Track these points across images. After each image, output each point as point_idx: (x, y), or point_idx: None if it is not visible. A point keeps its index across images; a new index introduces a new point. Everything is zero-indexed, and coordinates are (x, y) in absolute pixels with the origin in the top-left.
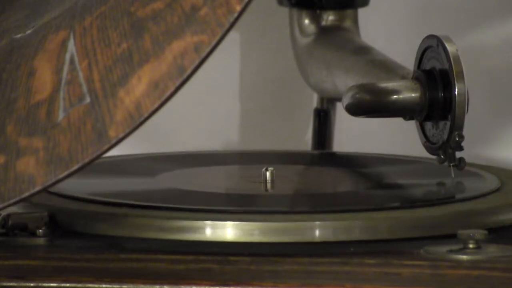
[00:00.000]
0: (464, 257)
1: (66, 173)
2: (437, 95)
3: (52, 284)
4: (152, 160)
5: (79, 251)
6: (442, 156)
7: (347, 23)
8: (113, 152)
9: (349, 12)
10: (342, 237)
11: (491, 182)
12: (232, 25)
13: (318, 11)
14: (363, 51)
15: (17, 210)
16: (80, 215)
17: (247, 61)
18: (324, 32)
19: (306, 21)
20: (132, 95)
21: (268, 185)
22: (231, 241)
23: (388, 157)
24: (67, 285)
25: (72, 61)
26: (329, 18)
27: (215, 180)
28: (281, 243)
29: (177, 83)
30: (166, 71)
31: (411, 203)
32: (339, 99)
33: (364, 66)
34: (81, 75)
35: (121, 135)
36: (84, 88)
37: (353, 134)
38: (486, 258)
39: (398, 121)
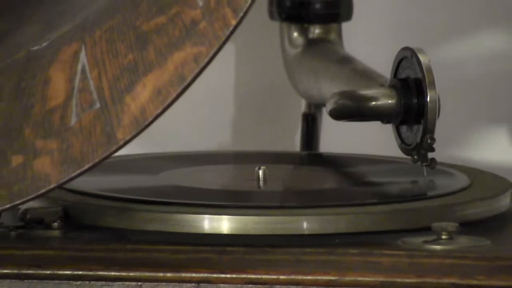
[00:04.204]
0: (438, 247)
1: (78, 171)
2: (411, 101)
3: (66, 272)
4: (155, 159)
5: (90, 242)
6: (415, 157)
7: (332, 36)
8: (121, 153)
9: (334, 26)
10: (328, 229)
11: (462, 180)
12: (228, 38)
13: (306, 25)
14: (346, 61)
15: (34, 205)
16: (91, 209)
17: (241, 69)
18: (311, 44)
19: (295, 34)
20: (138, 101)
21: (261, 183)
22: (227, 233)
23: (369, 157)
24: (79, 273)
25: (83, 71)
26: (315, 31)
27: (213, 178)
28: (273, 235)
29: (178, 90)
30: (168, 80)
31: (390, 199)
32: (325, 105)
33: (347, 74)
34: (91, 83)
35: (128, 137)
36: (94, 95)
37: (338, 137)
38: (458, 248)
39: (377, 125)
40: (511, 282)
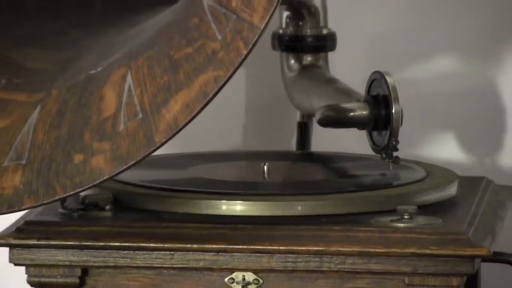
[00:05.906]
0: (401, 224)
1: (125, 167)
2: (380, 113)
3: (115, 244)
4: (183, 158)
5: (134, 221)
6: (384, 155)
7: (321, 63)
8: (158, 152)
9: (322, 55)
10: (317, 211)
11: (419, 173)
12: (240, 64)
13: (300, 54)
14: (331, 82)
15: (91, 192)
16: (135, 196)
17: (250, 88)
18: (304, 69)
19: (292, 61)
20: (171, 113)
21: (266, 175)
22: (239, 214)
23: (349, 155)
24: (126, 244)
25: (129, 89)
26: (308, 59)
27: (228, 172)
28: (275, 216)
29: (202, 104)
30: (194, 96)
31: (365, 188)
32: (315, 115)
33: (331, 92)
34: (135, 99)
35: (163, 140)
36: (138, 108)
37: (325, 140)
38: (416, 225)
39: (354, 131)
40: (457, 251)
